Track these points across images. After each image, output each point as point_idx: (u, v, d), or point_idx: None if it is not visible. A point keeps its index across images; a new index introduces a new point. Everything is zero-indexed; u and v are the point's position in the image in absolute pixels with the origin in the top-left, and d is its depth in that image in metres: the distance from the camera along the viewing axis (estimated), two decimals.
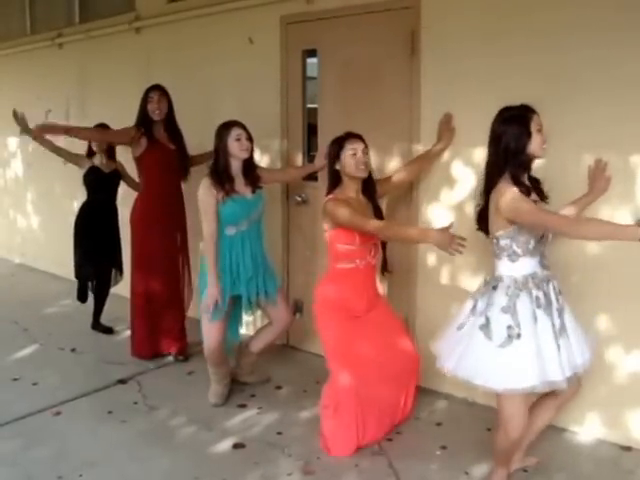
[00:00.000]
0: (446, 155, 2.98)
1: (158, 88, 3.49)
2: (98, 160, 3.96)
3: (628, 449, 2.58)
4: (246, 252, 2.99)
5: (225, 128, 2.94)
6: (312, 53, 3.51)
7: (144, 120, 3.45)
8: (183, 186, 3.63)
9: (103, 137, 3.80)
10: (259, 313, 3.50)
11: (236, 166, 2.95)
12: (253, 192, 2.99)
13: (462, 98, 2.88)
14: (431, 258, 3.12)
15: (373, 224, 2.55)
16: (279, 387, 3.27)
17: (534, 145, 2.08)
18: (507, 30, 2.72)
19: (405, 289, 3.19)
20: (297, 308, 3.73)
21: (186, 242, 3.68)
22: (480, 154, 2.81)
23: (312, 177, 3.51)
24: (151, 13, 4.35)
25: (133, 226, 3.59)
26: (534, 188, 2.19)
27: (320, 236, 2.85)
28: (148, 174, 3.55)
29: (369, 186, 2.74)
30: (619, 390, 2.60)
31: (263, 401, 3.10)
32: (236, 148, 2.91)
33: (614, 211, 2.53)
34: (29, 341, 3.98)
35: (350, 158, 2.64)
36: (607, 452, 2.59)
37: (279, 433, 2.78)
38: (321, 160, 3.05)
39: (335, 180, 2.70)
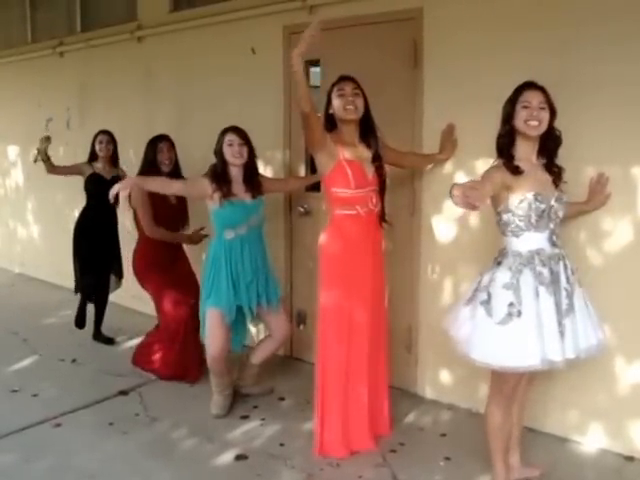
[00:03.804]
0: (449, 166, 2.99)
1: (166, 138, 3.46)
2: (100, 166, 3.97)
3: (631, 459, 2.57)
4: (245, 256, 2.99)
5: (222, 133, 2.98)
6: (315, 63, 3.50)
7: (150, 170, 3.34)
8: None
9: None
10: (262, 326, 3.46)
11: (235, 171, 2.96)
12: (253, 198, 2.99)
13: (465, 109, 2.88)
14: (433, 269, 3.11)
15: None
16: (282, 398, 3.26)
17: (517, 119, 2.10)
18: (510, 44, 2.73)
19: (407, 301, 3.18)
20: (300, 319, 3.72)
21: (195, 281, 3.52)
22: (483, 165, 2.81)
23: (315, 188, 3.51)
24: (153, 22, 4.36)
25: (139, 275, 3.51)
26: (552, 173, 2.18)
27: None
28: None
29: (368, 132, 2.62)
30: (622, 400, 2.60)
31: (266, 412, 3.09)
32: (228, 153, 2.93)
33: (615, 222, 2.53)
34: (29, 352, 3.95)
35: (337, 99, 2.54)
36: (610, 462, 2.58)
37: (282, 445, 2.76)
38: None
39: (329, 125, 2.60)
